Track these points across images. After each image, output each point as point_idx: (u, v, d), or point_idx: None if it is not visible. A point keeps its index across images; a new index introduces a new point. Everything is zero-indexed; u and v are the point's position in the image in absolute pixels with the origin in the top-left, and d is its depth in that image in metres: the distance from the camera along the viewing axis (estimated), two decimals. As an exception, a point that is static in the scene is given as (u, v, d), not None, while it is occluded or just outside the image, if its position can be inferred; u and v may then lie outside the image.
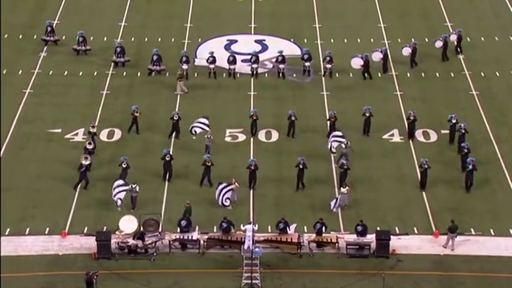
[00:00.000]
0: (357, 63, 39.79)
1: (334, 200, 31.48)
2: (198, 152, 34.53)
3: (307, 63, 39.90)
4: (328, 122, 35.71)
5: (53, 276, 28.75)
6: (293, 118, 35.43)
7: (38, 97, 39.23)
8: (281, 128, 36.56)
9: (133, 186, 31.41)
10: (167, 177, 33.02)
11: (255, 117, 35.74)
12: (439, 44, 41.37)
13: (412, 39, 42.08)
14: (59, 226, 31.05)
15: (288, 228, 30.04)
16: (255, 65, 39.86)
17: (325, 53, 40.43)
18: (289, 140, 35.83)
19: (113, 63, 40.79)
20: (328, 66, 39.82)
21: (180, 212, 30.94)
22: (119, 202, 31.10)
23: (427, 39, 42.35)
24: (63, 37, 43.86)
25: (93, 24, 45.03)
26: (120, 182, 31.04)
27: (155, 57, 40.45)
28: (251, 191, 32.45)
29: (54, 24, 42.95)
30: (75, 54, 42.46)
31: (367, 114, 35.70)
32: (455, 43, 41.92)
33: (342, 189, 31.57)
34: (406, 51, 41.00)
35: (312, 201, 32.44)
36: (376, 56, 40.29)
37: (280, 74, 39.96)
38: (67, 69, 41.31)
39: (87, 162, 32.32)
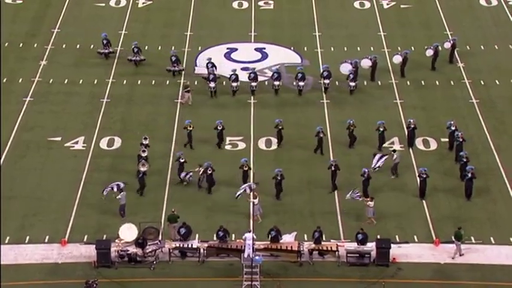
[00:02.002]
0: (345, 68, 39.68)
1: (351, 192, 31.31)
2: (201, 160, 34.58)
3: (326, 81, 39.07)
4: (348, 131, 35.59)
5: (53, 285, 28.68)
6: (321, 135, 34.87)
7: (38, 105, 39.26)
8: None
9: (122, 186, 31.63)
10: (208, 190, 32.84)
11: (280, 127, 35.61)
12: (429, 52, 41.36)
13: (411, 48, 42.13)
14: (59, 234, 31.00)
15: (279, 237, 29.95)
16: (254, 83, 39.23)
17: (323, 67, 39.91)
18: (288, 149, 35.79)
19: (170, 72, 40.91)
20: (327, 81, 39.16)
21: (181, 221, 30.91)
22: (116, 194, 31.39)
23: (440, 47, 42.24)
24: (63, 45, 43.97)
25: (94, 32, 45.07)
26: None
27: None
28: (276, 201, 32.41)
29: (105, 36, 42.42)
30: (75, 62, 42.54)
31: (381, 129, 35.25)
32: (450, 51, 41.94)
33: (369, 203, 31.23)
34: (397, 59, 41.01)
35: (312, 209, 32.40)
36: (365, 63, 40.20)
37: (275, 91, 39.21)
38: (67, 77, 41.36)
39: (145, 169, 32.94)
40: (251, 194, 31.52)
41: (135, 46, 42.08)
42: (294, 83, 39.45)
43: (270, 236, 30.02)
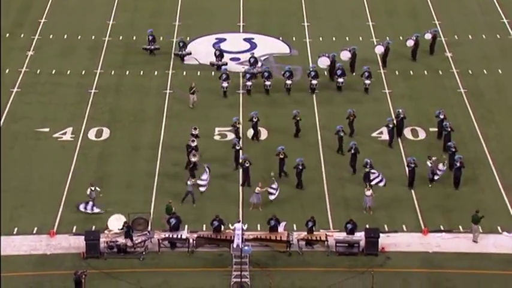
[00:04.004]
0: (323, 62, 39.54)
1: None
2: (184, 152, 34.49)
3: (314, 81, 38.47)
4: (347, 120, 35.49)
5: (41, 276, 28.61)
6: (341, 133, 34.35)
7: (25, 96, 39.03)
8: (271, 126, 36.45)
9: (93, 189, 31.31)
10: (246, 183, 32.54)
11: (298, 118, 35.36)
12: (410, 43, 41.33)
13: (399, 38, 42.18)
14: (47, 226, 30.90)
15: (278, 226, 30.05)
16: (249, 83, 38.40)
17: (310, 67, 39.15)
18: (279, 139, 35.75)
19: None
20: (314, 82, 38.50)
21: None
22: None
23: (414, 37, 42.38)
24: (51, 36, 43.69)
25: (81, 22, 44.85)
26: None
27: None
28: (297, 191, 32.35)
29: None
30: (62, 53, 42.31)
31: (391, 126, 34.86)
32: (431, 42, 41.92)
33: (366, 192, 31.31)
34: (379, 49, 40.99)
35: (302, 199, 32.45)
36: (344, 55, 40.02)
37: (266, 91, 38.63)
38: (55, 67, 41.13)
39: (196, 159, 32.75)
40: (259, 184, 31.40)
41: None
42: (288, 81, 38.56)
43: (269, 225, 29.99)
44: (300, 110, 36.15)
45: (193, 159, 32.74)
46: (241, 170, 32.83)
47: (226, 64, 40.54)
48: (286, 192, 32.69)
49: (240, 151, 33.46)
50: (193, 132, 34.36)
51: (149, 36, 41.68)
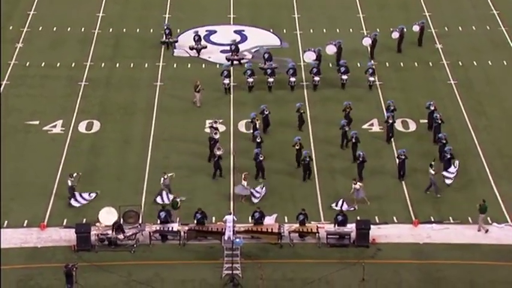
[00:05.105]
0: (309, 56, 39.39)
1: (335, 203, 31.10)
2: (178, 143, 34.32)
3: (292, 79, 38.06)
4: (344, 113, 35.48)
5: (32, 269, 28.53)
6: (346, 128, 34.20)
7: (15, 89, 38.83)
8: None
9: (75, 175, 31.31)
10: (260, 175, 32.51)
11: (302, 111, 35.28)
12: (395, 35, 41.35)
13: (389, 30, 42.19)
14: (38, 218, 30.81)
15: (263, 219, 30.00)
16: (250, 79, 37.85)
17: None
18: (267, 132, 35.76)
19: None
20: (317, 78, 38.21)
21: (160, 204, 30.85)
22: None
23: (405, 29, 42.45)
24: (40, 28, 43.45)
25: (71, 14, 44.62)
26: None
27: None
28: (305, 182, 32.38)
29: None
30: (52, 45, 42.10)
31: (390, 121, 34.74)
32: (419, 34, 41.93)
33: (354, 186, 31.21)
34: (367, 41, 40.97)
35: (293, 191, 32.48)
36: (330, 50, 39.93)
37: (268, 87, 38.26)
38: (44, 60, 40.93)
39: (220, 152, 32.66)
40: (242, 176, 31.36)
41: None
42: (291, 79, 38.19)
43: (254, 218, 30.04)
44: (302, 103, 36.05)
45: (218, 152, 32.63)
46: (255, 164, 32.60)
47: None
48: (276, 185, 32.69)
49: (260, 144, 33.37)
50: (214, 126, 34.30)
51: (166, 29, 41.43)
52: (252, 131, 34.81)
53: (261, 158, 32.52)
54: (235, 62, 40.16)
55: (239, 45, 41.04)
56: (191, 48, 40.91)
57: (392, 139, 34.87)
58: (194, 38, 41.29)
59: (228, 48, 41.50)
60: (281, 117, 36.39)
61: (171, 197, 31.15)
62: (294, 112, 35.88)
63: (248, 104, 37.49)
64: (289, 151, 33.84)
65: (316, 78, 38.25)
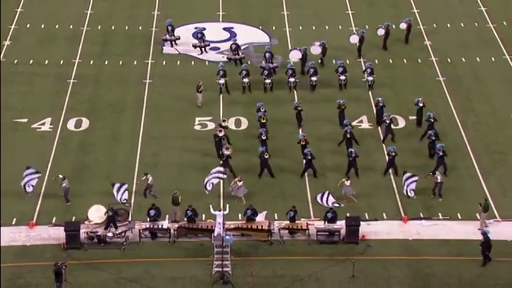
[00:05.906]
0: (294, 55, 39.23)
1: (321, 195, 30.95)
2: (168, 141, 34.25)
3: (291, 79, 37.94)
4: (338, 110, 35.46)
5: (21, 268, 28.43)
6: (350, 129, 34.05)
7: (3, 86, 38.60)
8: (251, 115, 36.42)
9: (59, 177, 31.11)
10: (263, 174, 32.43)
11: (300, 108, 35.28)
12: (381, 32, 41.34)
13: (367, 26, 42.15)
14: (27, 217, 30.68)
15: (255, 216, 30.02)
16: (246, 80, 37.79)
17: (309, 64, 38.28)
18: (258, 129, 35.76)
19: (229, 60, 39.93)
20: (314, 78, 37.88)
21: (150, 202, 30.78)
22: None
23: (394, 26, 42.55)
24: (28, 25, 43.24)
25: (59, 12, 44.41)
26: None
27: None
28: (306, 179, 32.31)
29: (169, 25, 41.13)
30: (40, 42, 41.91)
31: (388, 121, 34.56)
32: (406, 32, 41.97)
33: (346, 182, 31.26)
34: (354, 39, 40.96)
35: (282, 189, 32.50)
36: (315, 50, 39.72)
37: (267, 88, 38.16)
38: (32, 57, 40.73)
39: (229, 152, 32.57)
40: (237, 179, 31.36)
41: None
42: (291, 79, 38.11)
43: (246, 215, 30.02)
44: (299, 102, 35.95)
45: (226, 152, 32.57)
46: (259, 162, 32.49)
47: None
48: (266, 182, 32.69)
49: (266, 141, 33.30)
50: (223, 124, 34.25)
51: (168, 26, 41.25)
52: (260, 127, 34.45)
53: (266, 157, 32.45)
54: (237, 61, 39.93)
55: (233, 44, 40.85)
56: (194, 46, 40.70)
57: (393, 138, 34.74)
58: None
59: (218, 45, 41.46)
60: (274, 116, 36.23)
61: (126, 195, 30.48)
62: (292, 110, 35.74)
63: (240, 103, 37.44)
64: (283, 148, 33.82)
65: (314, 79, 38.14)
